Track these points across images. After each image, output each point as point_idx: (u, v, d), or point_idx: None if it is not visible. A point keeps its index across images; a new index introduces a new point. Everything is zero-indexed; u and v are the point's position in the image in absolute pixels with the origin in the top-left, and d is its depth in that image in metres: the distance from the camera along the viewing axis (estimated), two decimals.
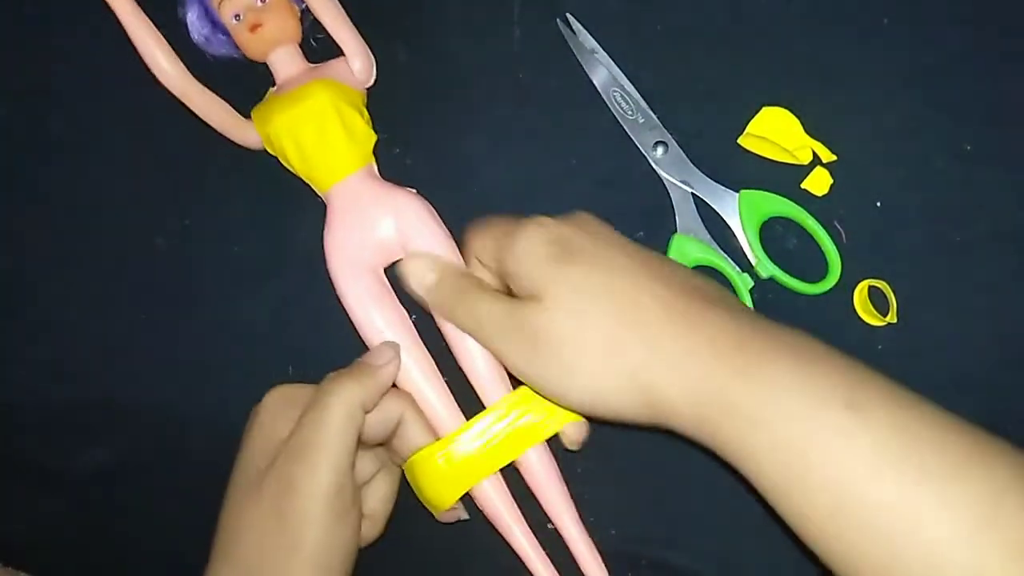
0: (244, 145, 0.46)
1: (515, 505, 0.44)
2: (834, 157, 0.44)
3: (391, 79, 0.48)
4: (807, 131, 0.44)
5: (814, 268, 0.44)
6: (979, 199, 0.44)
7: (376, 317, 0.43)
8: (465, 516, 0.44)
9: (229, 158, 0.47)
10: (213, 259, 0.49)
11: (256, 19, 0.45)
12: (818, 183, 0.44)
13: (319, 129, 0.44)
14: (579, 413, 0.40)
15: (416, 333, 0.44)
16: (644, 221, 0.46)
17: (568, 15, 0.47)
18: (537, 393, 0.39)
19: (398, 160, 0.48)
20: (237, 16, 0.45)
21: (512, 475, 0.44)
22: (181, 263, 0.49)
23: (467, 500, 0.44)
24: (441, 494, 0.42)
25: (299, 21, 0.47)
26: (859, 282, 0.44)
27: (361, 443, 0.40)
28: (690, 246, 0.44)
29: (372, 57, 0.46)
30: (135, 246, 0.50)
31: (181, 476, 0.48)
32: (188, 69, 0.45)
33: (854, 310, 0.44)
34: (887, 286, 0.43)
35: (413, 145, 0.48)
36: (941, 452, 0.31)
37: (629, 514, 0.45)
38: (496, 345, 0.39)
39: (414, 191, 0.45)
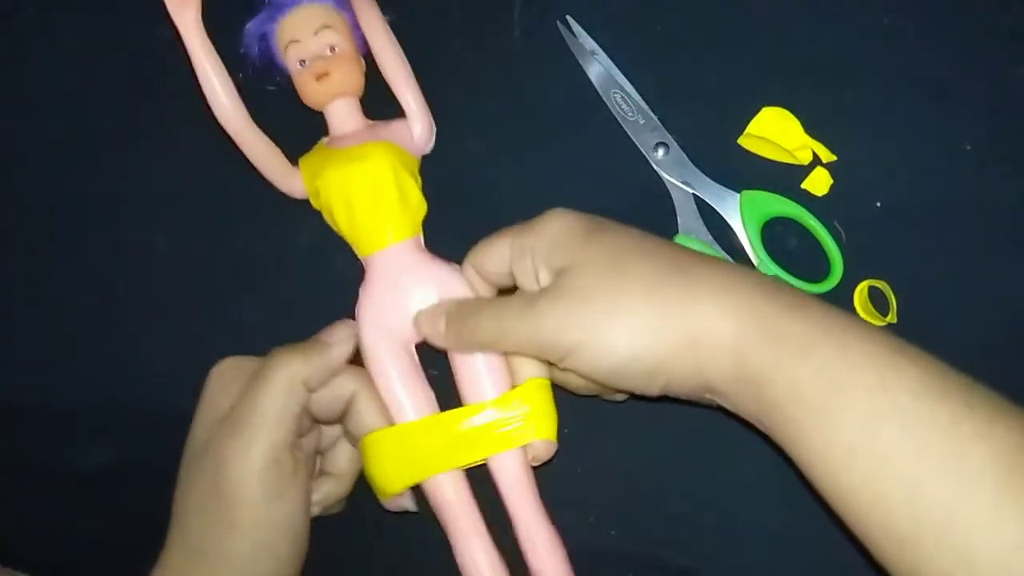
0: (286, 192, 0.45)
1: (479, 518, 0.42)
2: (834, 157, 0.44)
3: None
4: (807, 131, 0.44)
5: (815, 268, 0.44)
6: (979, 199, 0.44)
7: (401, 394, 0.41)
8: (412, 508, 0.42)
9: (229, 158, 0.47)
10: (213, 259, 0.49)
11: (325, 68, 0.43)
12: (818, 183, 0.44)
13: (374, 192, 0.42)
14: (606, 376, 0.36)
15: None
16: (645, 222, 0.45)
17: (568, 16, 0.47)
18: (577, 365, 0.36)
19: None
20: (302, 62, 0.44)
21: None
22: (181, 263, 0.49)
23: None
24: (388, 479, 0.41)
25: (363, 75, 0.45)
26: (859, 282, 0.44)
27: (314, 420, 0.41)
28: (692, 246, 0.44)
29: (433, 123, 0.45)
30: (135, 246, 0.50)
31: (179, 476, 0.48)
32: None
33: (854, 310, 0.44)
34: (887, 286, 0.43)
35: None
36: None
37: (629, 514, 0.45)
38: (529, 335, 0.37)
39: (459, 267, 0.43)
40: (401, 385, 0.41)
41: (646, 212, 0.46)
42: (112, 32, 0.52)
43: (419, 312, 0.41)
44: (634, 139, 0.46)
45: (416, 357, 0.43)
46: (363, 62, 0.45)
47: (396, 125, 0.45)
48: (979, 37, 0.44)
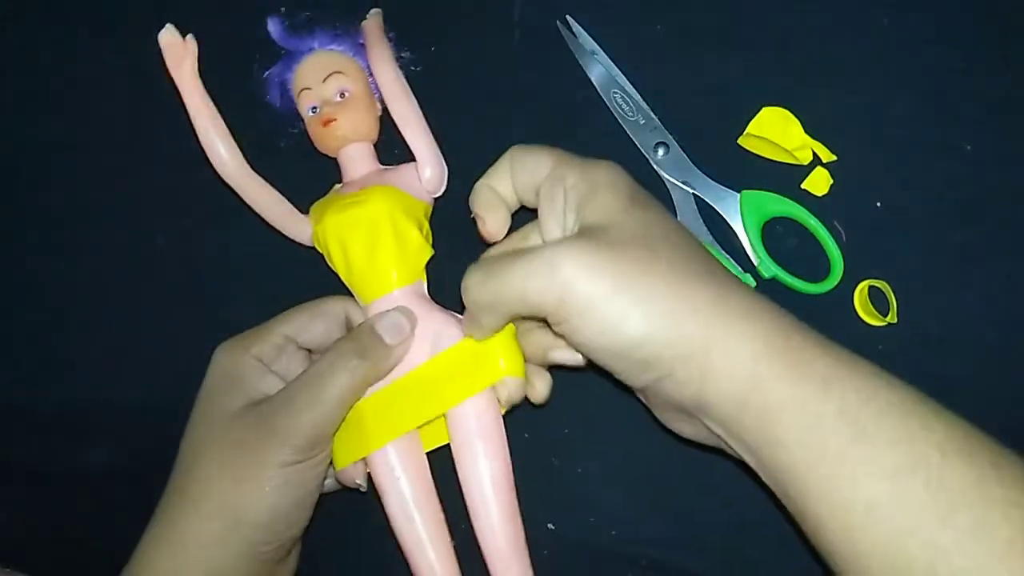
0: (298, 240, 0.45)
1: (437, 508, 0.40)
2: (834, 157, 0.44)
3: None
4: (807, 131, 0.44)
5: (815, 268, 0.44)
6: (979, 199, 0.44)
7: (390, 450, 0.40)
8: (362, 486, 0.41)
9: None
10: (212, 259, 0.49)
11: (331, 114, 0.43)
12: (818, 183, 0.44)
13: (369, 239, 0.41)
14: (607, 351, 0.34)
15: (428, 474, 0.41)
16: None
17: (568, 16, 0.47)
18: (582, 327, 0.33)
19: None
20: (314, 108, 0.44)
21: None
22: (181, 263, 0.49)
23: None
24: (338, 451, 0.40)
25: (377, 120, 0.45)
26: (859, 282, 0.44)
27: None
28: None
29: (444, 167, 0.44)
30: (135, 246, 0.50)
31: None
32: (253, 158, 0.44)
33: (854, 310, 0.44)
34: (887, 286, 0.43)
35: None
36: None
37: (629, 514, 0.45)
38: (549, 274, 0.33)
39: (458, 316, 0.41)
40: (394, 446, 0.40)
41: None
42: (113, 32, 0.52)
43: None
44: (634, 139, 0.46)
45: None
46: (378, 107, 0.45)
47: (404, 168, 0.44)
48: (979, 37, 0.44)
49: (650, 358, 0.33)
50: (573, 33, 0.47)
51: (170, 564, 0.38)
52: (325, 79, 0.44)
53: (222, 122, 0.43)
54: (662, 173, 0.45)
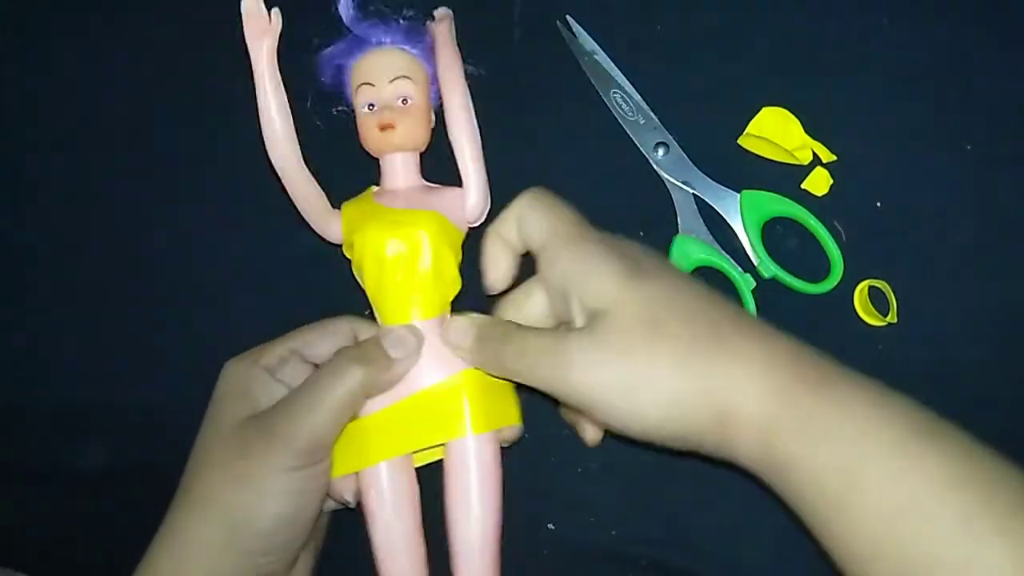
0: (322, 235, 0.43)
1: (420, 544, 0.40)
2: (834, 157, 0.44)
3: None
4: (807, 131, 0.44)
5: (815, 268, 0.44)
6: (979, 199, 0.44)
7: (385, 470, 0.40)
8: (350, 502, 0.40)
9: (230, 158, 0.47)
10: (213, 259, 0.49)
11: (392, 120, 0.41)
12: (818, 183, 0.44)
13: (408, 265, 0.40)
14: (632, 434, 0.36)
15: (417, 505, 0.41)
16: (645, 222, 0.46)
17: (568, 16, 0.47)
18: (599, 417, 0.36)
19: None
20: (371, 106, 0.42)
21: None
22: (181, 263, 0.49)
23: None
24: (336, 461, 0.39)
25: (430, 132, 0.43)
26: (859, 282, 0.44)
27: None
28: (692, 247, 0.44)
29: (489, 197, 0.42)
30: (136, 246, 0.50)
31: (180, 476, 0.48)
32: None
33: (854, 310, 0.44)
34: (887, 286, 0.43)
35: None
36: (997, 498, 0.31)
37: (629, 514, 0.45)
38: (554, 373, 0.36)
39: None
40: (388, 467, 0.40)
41: (646, 212, 0.46)
42: (116, 32, 0.52)
43: (451, 320, 0.40)
44: (634, 139, 0.46)
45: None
46: (433, 118, 0.43)
47: (450, 193, 0.42)
48: (979, 37, 0.44)
49: (673, 436, 0.35)
50: (573, 33, 0.47)
51: (172, 567, 0.38)
52: (392, 80, 0.41)
53: (287, 107, 0.41)
54: (662, 173, 0.45)
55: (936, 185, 0.44)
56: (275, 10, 0.39)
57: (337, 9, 0.42)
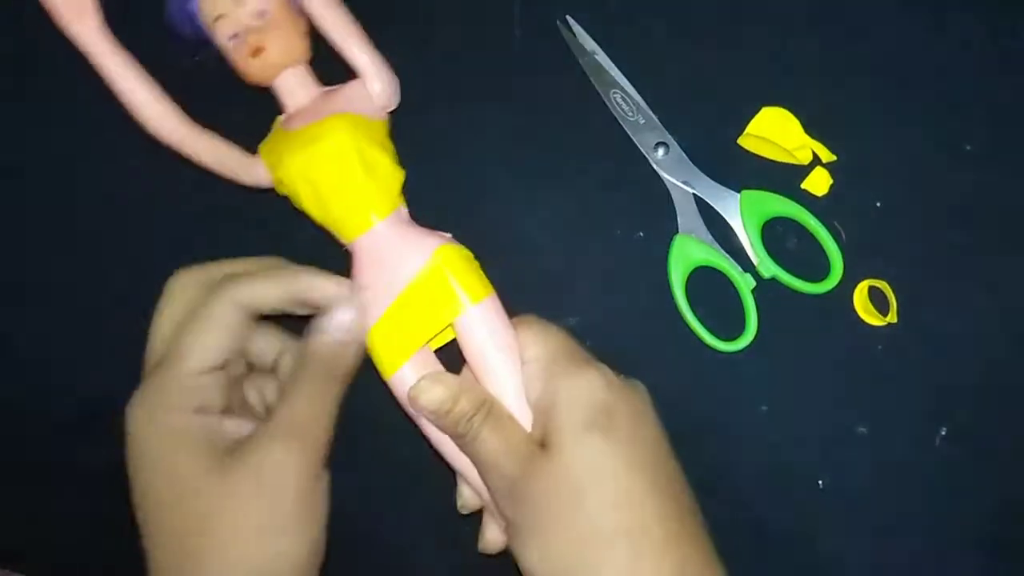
0: (254, 185, 0.41)
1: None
2: (834, 157, 0.44)
3: None
4: (807, 131, 0.44)
5: (815, 268, 0.44)
6: (979, 199, 0.44)
7: (409, 373, 0.39)
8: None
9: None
10: (212, 257, 0.49)
11: (258, 42, 0.39)
12: (818, 183, 0.44)
13: (339, 175, 0.38)
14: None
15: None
16: (645, 222, 0.46)
17: (568, 16, 0.47)
18: (513, 547, 0.37)
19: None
20: (234, 36, 0.40)
21: None
22: (181, 263, 0.49)
23: None
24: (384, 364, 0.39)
25: (306, 37, 0.41)
26: (859, 282, 0.44)
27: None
28: (692, 247, 0.44)
29: (393, 76, 0.41)
30: (135, 245, 0.50)
31: None
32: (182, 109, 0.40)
33: (854, 310, 0.44)
34: (887, 286, 0.43)
35: (412, 147, 0.48)
36: None
37: None
38: (510, 487, 0.36)
39: (449, 235, 0.41)
40: (409, 367, 0.39)
41: (646, 212, 0.46)
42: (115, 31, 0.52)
43: (418, 383, 0.38)
44: (634, 139, 0.46)
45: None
46: (303, 21, 0.41)
47: (351, 88, 0.40)
48: (979, 37, 0.44)
49: None
50: (573, 33, 0.47)
51: None
52: (240, 1, 0.39)
53: (146, 76, 0.38)
54: (662, 173, 0.45)
55: (936, 185, 0.44)
56: None
57: None
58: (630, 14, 0.47)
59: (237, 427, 0.39)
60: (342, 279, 0.40)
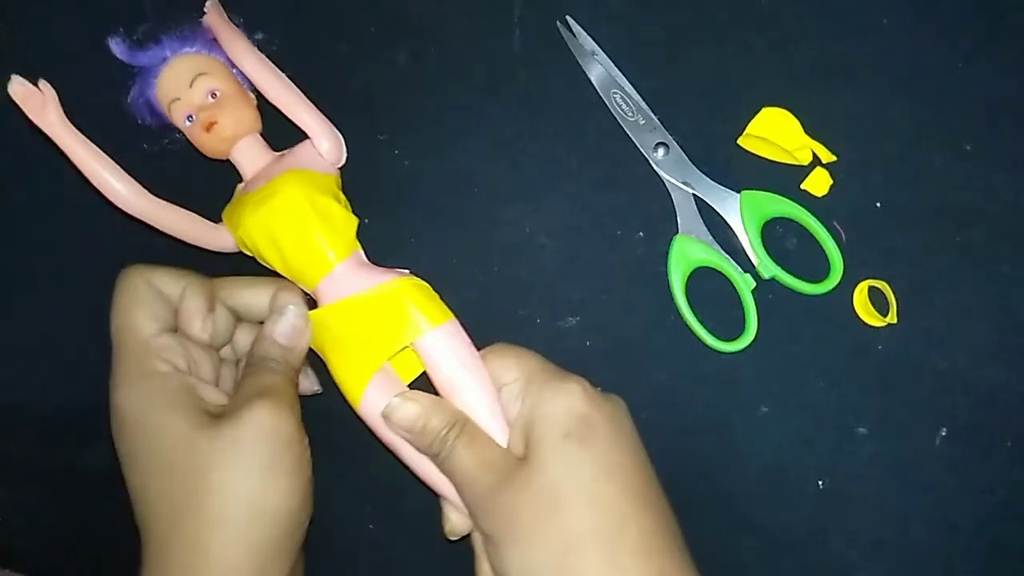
0: (221, 250, 0.44)
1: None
2: (834, 157, 0.44)
3: (391, 81, 0.48)
4: (807, 131, 0.44)
5: (815, 268, 0.44)
6: (979, 199, 0.44)
7: (379, 399, 0.40)
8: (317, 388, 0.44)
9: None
10: (212, 259, 0.49)
11: (210, 117, 0.42)
12: (818, 183, 0.44)
13: (294, 226, 0.41)
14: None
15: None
16: (645, 222, 0.46)
17: (568, 16, 0.47)
18: (490, 553, 0.38)
19: (397, 161, 0.48)
20: (190, 117, 0.43)
21: None
22: (181, 263, 0.49)
23: None
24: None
25: (256, 109, 0.44)
26: (859, 282, 0.44)
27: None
28: (692, 247, 0.44)
29: (339, 135, 0.44)
30: (135, 246, 0.50)
31: None
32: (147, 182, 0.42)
33: (854, 310, 0.44)
34: (887, 286, 0.43)
35: (412, 146, 0.48)
36: None
37: None
38: (488, 500, 0.37)
39: (407, 272, 0.42)
40: (380, 396, 0.40)
41: (646, 212, 0.46)
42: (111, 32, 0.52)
43: (393, 401, 0.39)
44: (634, 139, 0.46)
45: (390, 369, 0.41)
46: (252, 96, 0.45)
47: (302, 149, 0.44)
48: (980, 37, 0.44)
49: None
50: (573, 33, 0.47)
51: None
52: (191, 84, 0.43)
53: (108, 159, 0.41)
54: (662, 173, 0.45)
55: (936, 185, 0.44)
56: (41, 81, 0.40)
57: (112, 52, 0.43)
58: (630, 14, 0.47)
59: (219, 397, 0.41)
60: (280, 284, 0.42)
